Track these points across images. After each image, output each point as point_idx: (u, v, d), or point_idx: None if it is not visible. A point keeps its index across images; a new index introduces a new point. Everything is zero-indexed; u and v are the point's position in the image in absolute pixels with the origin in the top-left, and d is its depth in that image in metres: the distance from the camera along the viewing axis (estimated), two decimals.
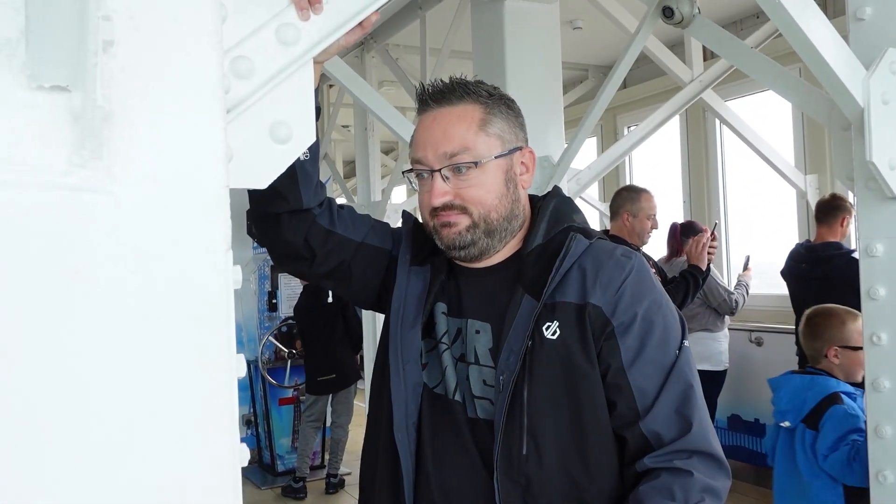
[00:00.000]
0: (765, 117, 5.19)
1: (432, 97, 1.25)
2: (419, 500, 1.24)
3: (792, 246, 4.30)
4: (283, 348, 5.98)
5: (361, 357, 5.62)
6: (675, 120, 5.41)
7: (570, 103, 5.90)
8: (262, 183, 0.99)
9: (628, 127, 6.45)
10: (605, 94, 3.48)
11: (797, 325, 4.44)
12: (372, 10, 1.01)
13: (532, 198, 1.35)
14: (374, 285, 1.37)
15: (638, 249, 3.51)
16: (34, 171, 0.75)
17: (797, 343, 4.45)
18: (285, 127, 0.99)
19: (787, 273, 4.21)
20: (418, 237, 1.34)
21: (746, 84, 5.16)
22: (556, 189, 1.37)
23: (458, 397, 1.23)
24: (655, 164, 6.44)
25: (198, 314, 0.82)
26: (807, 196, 4.83)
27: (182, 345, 0.81)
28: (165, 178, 0.80)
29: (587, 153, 6.63)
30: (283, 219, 1.26)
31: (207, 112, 0.83)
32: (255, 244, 6.16)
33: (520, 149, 1.28)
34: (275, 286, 6.18)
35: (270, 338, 6.01)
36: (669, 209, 5.78)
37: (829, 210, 3.95)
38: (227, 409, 0.83)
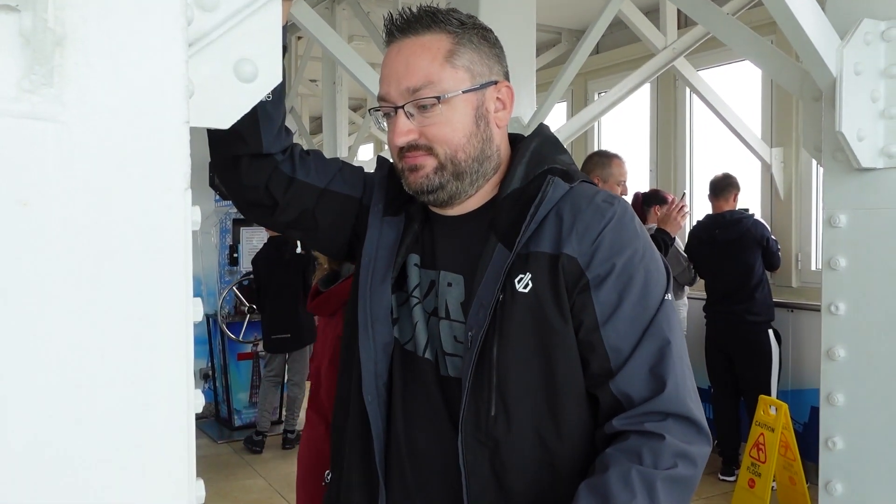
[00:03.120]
0: (735, 89, 5.21)
1: (398, 27, 1.14)
2: (389, 461, 1.19)
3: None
4: (245, 303, 5.92)
5: None
6: (646, 88, 5.41)
7: (542, 66, 5.86)
8: (225, 123, 0.94)
9: (599, 93, 6.43)
10: (577, 57, 3.46)
11: (708, 291, 4.67)
12: None
13: (516, 138, 1.25)
14: (343, 234, 1.30)
15: None
16: None
17: (704, 309, 4.68)
18: (250, 65, 0.95)
19: (698, 243, 4.69)
20: (393, 184, 1.25)
21: (719, 54, 5.17)
22: (541, 127, 1.26)
23: (428, 355, 1.17)
24: (624, 131, 6.45)
25: (154, 255, 0.78)
26: (771, 169, 4.88)
27: (137, 286, 0.78)
28: (121, 110, 0.76)
29: (557, 118, 6.61)
30: (242, 163, 1.20)
31: (168, 42, 0.78)
32: (217, 197, 6.05)
33: (494, 83, 1.17)
34: (236, 240, 6.10)
35: (234, 289, 5.95)
36: (636, 177, 5.81)
37: (725, 186, 4.63)
38: (183, 353, 0.80)
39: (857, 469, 1.70)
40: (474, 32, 1.16)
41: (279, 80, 0.97)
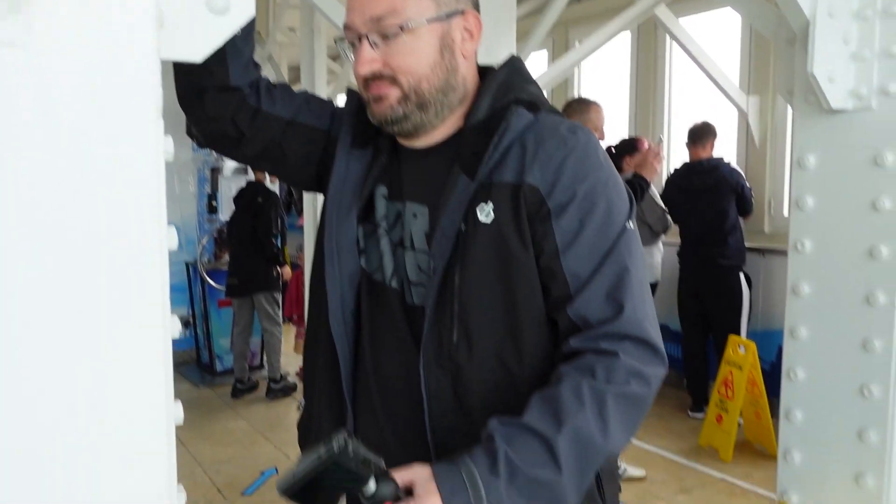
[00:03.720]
0: (713, 37, 5.20)
1: None
2: (358, 389, 1.23)
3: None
4: (223, 252, 5.93)
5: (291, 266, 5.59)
6: (627, 36, 5.38)
7: (523, 15, 5.78)
8: (196, 56, 0.95)
9: (580, 41, 6.39)
10: (557, 3, 3.43)
11: (682, 236, 4.77)
12: None
13: (486, 70, 1.24)
14: (310, 167, 1.31)
15: None
16: None
17: (678, 254, 4.78)
18: None
19: (675, 189, 4.77)
20: (361, 117, 1.24)
21: (699, 2, 5.14)
22: (512, 59, 1.24)
23: (394, 284, 1.20)
24: (604, 79, 6.42)
25: (126, 185, 0.80)
26: (748, 117, 4.91)
27: (109, 215, 0.79)
28: (90, 38, 0.76)
29: (539, 66, 6.57)
30: (208, 94, 1.20)
31: None
32: (195, 145, 6.00)
33: (461, 13, 1.15)
34: (215, 188, 6.07)
35: (213, 236, 5.94)
36: (615, 125, 5.81)
37: (703, 134, 4.71)
38: (158, 281, 0.82)
39: (815, 398, 1.77)
40: None
41: (252, 13, 0.97)
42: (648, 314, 1.10)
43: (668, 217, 4.79)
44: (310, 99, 1.31)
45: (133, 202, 0.80)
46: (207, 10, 0.95)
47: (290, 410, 5.17)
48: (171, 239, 0.83)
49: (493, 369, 1.13)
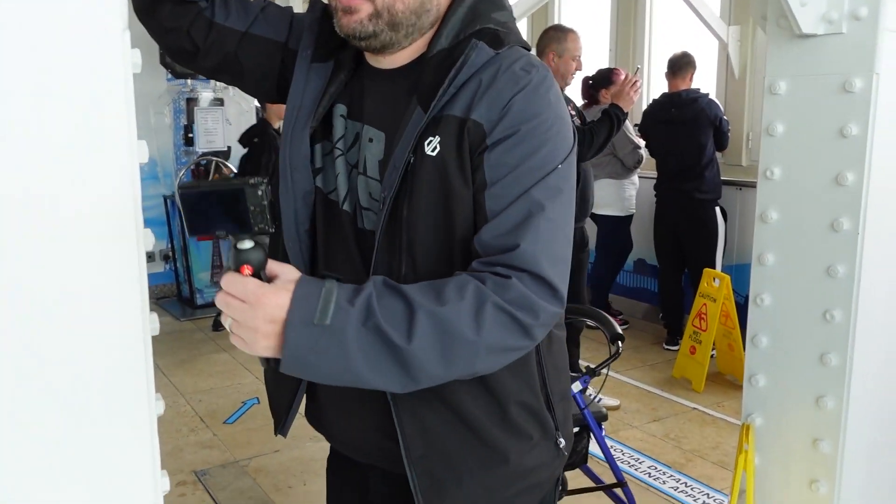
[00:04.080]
0: None
1: None
2: None
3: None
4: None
5: None
6: None
7: None
8: None
9: None
10: None
11: (659, 170, 4.80)
12: None
13: None
14: (270, 79, 1.28)
15: (561, 91, 3.52)
16: None
17: (654, 188, 4.83)
18: None
19: (653, 122, 4.75)
20: (325, 28, 1.19)
21: None
22: None
23: (347, 207, 1.19)
24: (584, 7, 6.34)
25: (94, 96, 0.80)
26: (728, 48, 4.89)
27: (78, 126, 0.79)
28: None
29: None
30: (165, 6, 1.19)
31: None
32: (170, 76, 5.89)
33: None
34: (191, 120, 5.98)
35: (190, 168, 5.89)
36: (595, 55, 5.77)
37: (683, 65, 4.65)
38: (131, 195, 0.83)
39: (780, 323, 1.82)
40: None
41: None
42: (554, 256, 1.06)
43: (640, 151, 4.82)
44: (266, 9, 1.27)
45: (101, 114, 0.80)
46: None
47: None
48: (141, 153, 0.84)
49: None
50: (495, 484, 1.20)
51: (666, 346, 4.90)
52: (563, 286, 1.06)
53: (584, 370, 2.55)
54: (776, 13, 1.72)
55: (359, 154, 1.18)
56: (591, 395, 2.58)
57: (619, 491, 2.66)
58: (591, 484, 2.71)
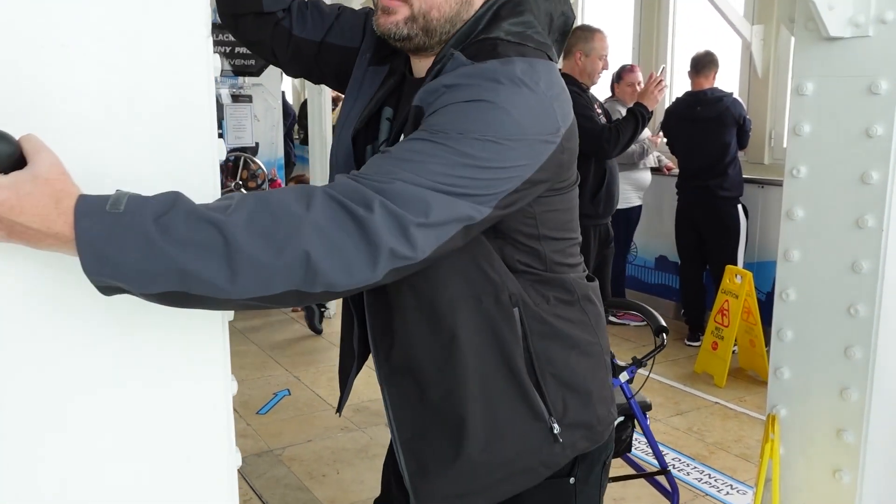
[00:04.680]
0: None
1: None
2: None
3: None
4: (230, 181, 5.99)
5: None
6: None
7: None
8: None
9: None
10: None
11: (682, 167, 4.83)
12: None
13: None
14: (347, 78, 1.34)
15: (587, 89, 3.59)
16: None
17: (677, 185, 4.85)
18: None
19: (677, 119, 4.78)
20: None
21: None
22: None
23: None
24: (608, 5, 6.38)
25: (181, 94, 0.88)
26: (751, 47, 4.91)
27: (165, 122, 0.87)
28: None
29: None
30: (246, 19, 1.29)
31: None
32: None
33: None
34: (220, 116, 6.08)
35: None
36: (619, 53, 5.80)
37: (706, 63, 4.69)
38: (211, 182, 0.91)
39: (805, 317, 1.88)
40: None
41: None
42: (410, 183, 0.93)
43: (646, 150, 4.90)
44: (341, 16, 1.33)
45: (186, 110, 0.88)
46: None
47: (296, 334, 5.32)
48: (220, 151, 0.92)
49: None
50: (475, 470, 1.20)
51: (687, 342, 4.94)
52: (417, 200, 0.93)
53: (630, 361, 2.63)
54: (804, 16, 1.77)
55: None
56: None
57: (661, 479, 2.71)
58: (632, 472, 2.78)
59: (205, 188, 0.90)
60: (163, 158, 0.88)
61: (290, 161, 7.70)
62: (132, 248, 0.78)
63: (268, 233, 0.83)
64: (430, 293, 1.09)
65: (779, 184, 4.70)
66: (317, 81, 1.44)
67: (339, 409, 1.44)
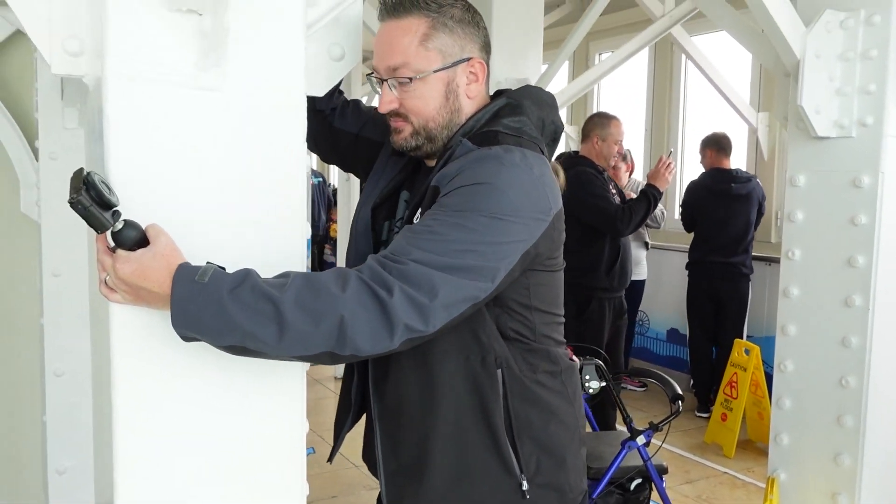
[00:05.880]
0: (726, 55, 5.45)
1: (385, 8, 1.31)
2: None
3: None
4: None
5: None
6: (644, 53, 5.66)
7: (546, 26, 6.06)
8: (320, 91, 1.25)
9: (599, 54, 6.67)
10: (585, 22, 3.71)
11: (706, 239, 4.89)
12: None
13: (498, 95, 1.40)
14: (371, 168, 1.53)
15: (603, 171, 3.82)
16: (171, 73, 1.01)
17: (696, 261, 4.95)
18: (339, 48, 1.25)
19: (707, 193, 4.87)
20: None
21: (712, 21, 5.39)
22: (522, 89, 1.40)
23: None
24: (621, 92, 6.69)
25: (279, 192, 1.10)
26: (757, 132, 5.18)
27: (272, 208, 1.09)
28: (263, 83, 1.07)
29: (558, 80, 6.83)
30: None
31: (294, 36, 1.09)
32: None
33: (467, 60, 1.32)
34: None
35: None
36: (632, 137, 6.09)
37: (727, 144, 4.94)
38: (299, 260, 1.12)
39: (801, 387, 2.04)
40: (448, 16, 1.29)
41: (360, 59, 1.27)
42: (428, 255, 1.13)
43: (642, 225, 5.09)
44: (376, 115, 1.47)
45: (286, 200, 1.10)
46: (329, 57, 1.25)
47: (324, 396, 5.45)
48: (307, 229, 1.14)
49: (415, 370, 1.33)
50: None
51: (698, 414, 5.05)
52: (429, 284, 1.10)
53: (647, 425, 2.77)
54: (795, 117, 2.00)
55: None
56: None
57: None
58: None
59: (293, 259, 1.11)
60: (266, 235, 1.09)
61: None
62: (210, 310, 1.01)
63: (311, 308, 1.04)
64: (426, 343, 1.20)
65: None
66: (347, 169, 1.65)
67: (331, 459, 1.60)
